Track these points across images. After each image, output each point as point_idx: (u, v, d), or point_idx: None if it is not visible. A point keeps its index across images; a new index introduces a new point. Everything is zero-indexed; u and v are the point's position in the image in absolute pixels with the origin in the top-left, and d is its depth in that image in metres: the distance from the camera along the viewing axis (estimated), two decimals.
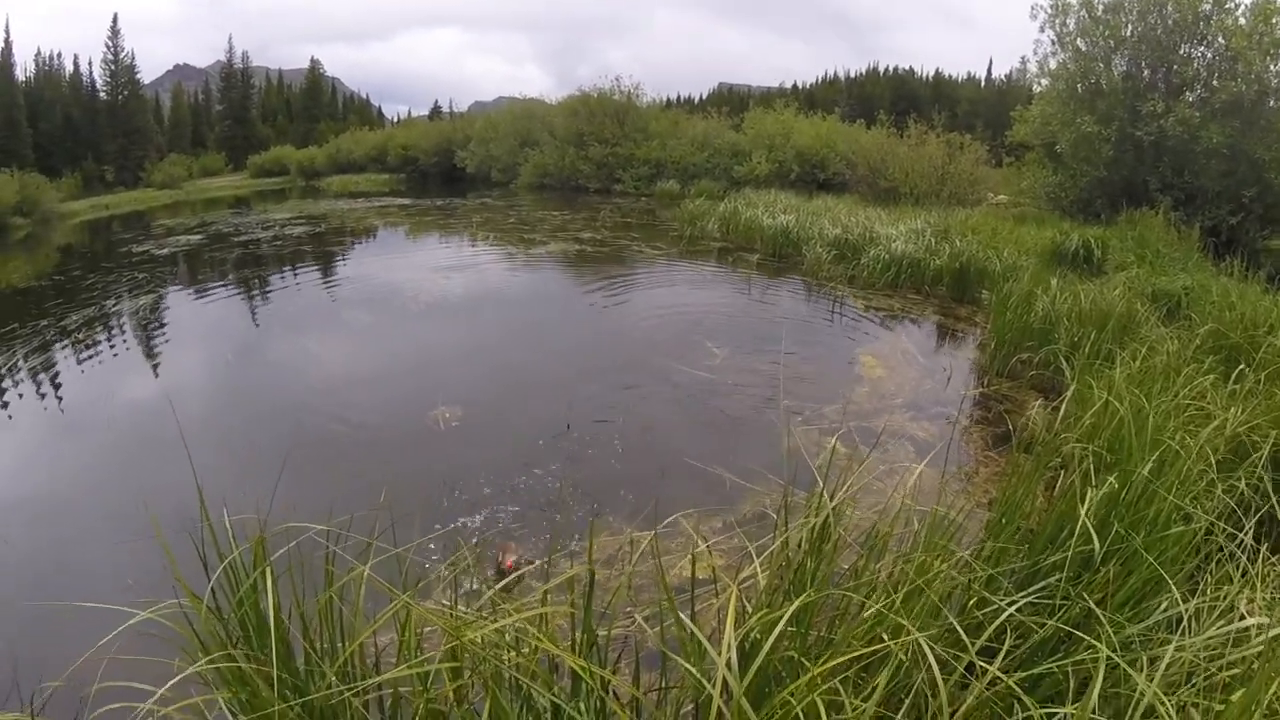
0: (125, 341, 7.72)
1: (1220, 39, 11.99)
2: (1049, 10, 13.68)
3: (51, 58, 43.96)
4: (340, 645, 1.90)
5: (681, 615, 1.72)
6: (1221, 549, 2.31)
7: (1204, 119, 11.75)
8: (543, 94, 36.61)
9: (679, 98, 56.22)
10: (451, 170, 36.41)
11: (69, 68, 44.43)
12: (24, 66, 42.33)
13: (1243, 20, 11.81)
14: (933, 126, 18.56)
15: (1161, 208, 11.29)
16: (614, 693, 1.88)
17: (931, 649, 1.52)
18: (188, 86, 59.25)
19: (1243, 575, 2.11)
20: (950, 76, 56.97)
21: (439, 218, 19.75)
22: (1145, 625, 1.94)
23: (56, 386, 6.17)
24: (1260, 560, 2.18)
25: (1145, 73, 12.96)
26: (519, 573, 3.15)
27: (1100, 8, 13.09)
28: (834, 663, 1.59)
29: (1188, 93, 12.44)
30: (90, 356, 7.05)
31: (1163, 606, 1.98)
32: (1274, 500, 2.66)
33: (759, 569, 1.97)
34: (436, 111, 69.06)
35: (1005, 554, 2.27)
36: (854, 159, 20.23)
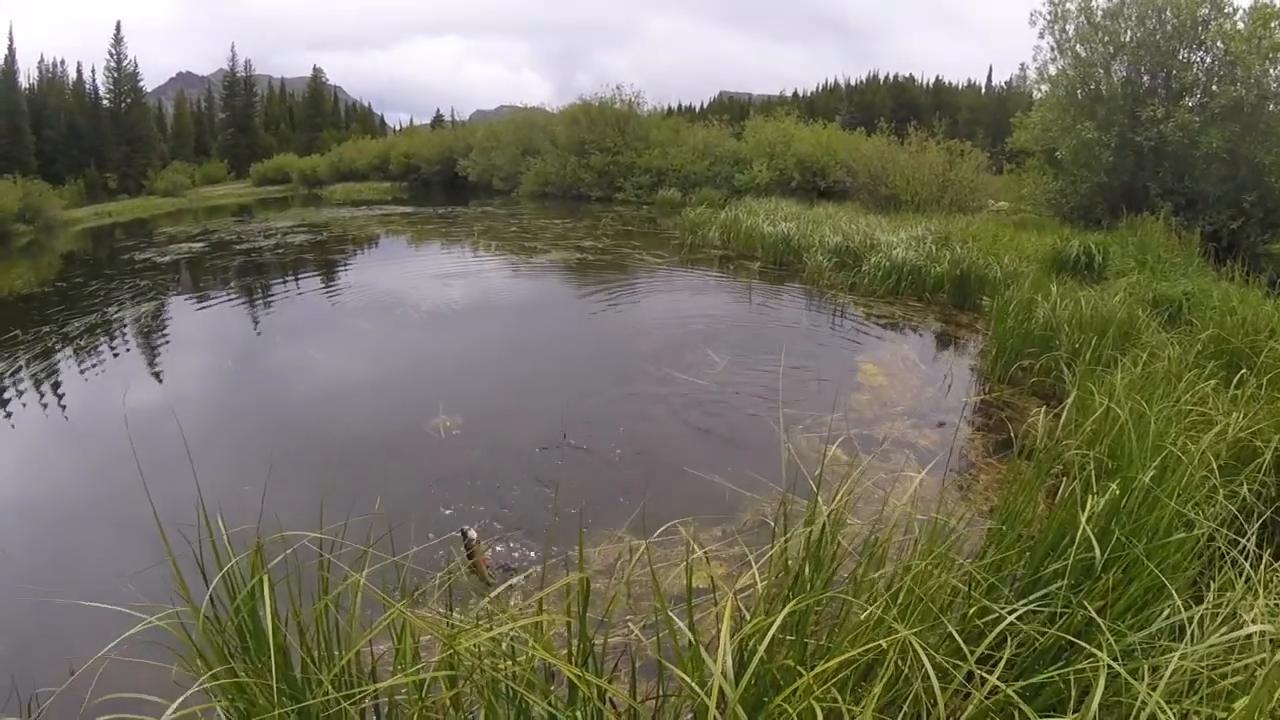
0: (127, 349, 7.74)
1: (1219, 44, 12.03)
2: (1048, 16, 13.75)
3: (55, 65, 44.34)
4: (337, 653, 1.89)
5: (677, 622, 1.71)
6: (1224, 555, 2.29)
7: (1204, 124, 11.78)
8: (544, 102, 36.86)
9: (680, 106, 56.34)
10: (453, 178, 36.60)
11: (72, 75, 44.77)
12: (27, 74, 42.82)
13: (1241, 25, 11.87)
14: (933, 134, 18.65)
15: (1162, 213, 11.29)
16: (610, 701, 1.86)
17: (930, 655, 1.51)
18: (190, 94, 59.72)
19: (1245, 582, 2.09)
20: (950, 83, 57.05)
21: (441, 226, 19.81)
22: (1147, 633, 1.92)
23: (59, 393, 6.18)
24: (1263, 566, 2.16)
25: (1145, 78, 12.99)
26: (509, 583, 3.13)
27: (1099, 13, 13.15)
28: (828, 665, 1.58)
29: (1187, 98, 12.47)
30: (92, 364, 7.06)
31: (1164, 614, 1.96)
32: (1277, 506, 2.64)
33: (757, 576, 1.96)
34: (438, 120, 69.65)
35: (1006, 561, 2.26)
36: (855, 166, 20.28)
